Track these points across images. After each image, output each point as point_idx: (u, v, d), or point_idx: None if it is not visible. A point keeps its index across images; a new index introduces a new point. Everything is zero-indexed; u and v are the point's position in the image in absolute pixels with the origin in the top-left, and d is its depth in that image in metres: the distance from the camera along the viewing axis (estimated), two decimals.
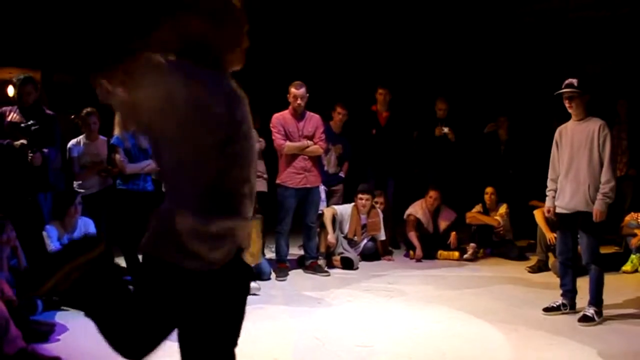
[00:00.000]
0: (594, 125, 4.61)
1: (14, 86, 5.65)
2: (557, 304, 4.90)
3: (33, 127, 5.45)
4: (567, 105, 4.69)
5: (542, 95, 8.72)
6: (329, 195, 7.25)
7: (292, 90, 6.11)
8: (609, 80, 8.49)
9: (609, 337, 4.35)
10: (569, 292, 4.88)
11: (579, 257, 4.83)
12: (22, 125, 5.48)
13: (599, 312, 4.64)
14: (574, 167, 4.67)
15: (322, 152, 6.40)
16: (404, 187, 7.94)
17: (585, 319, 4.60)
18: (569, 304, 4.87)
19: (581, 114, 4.68)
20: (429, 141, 7.80)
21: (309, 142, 6.15)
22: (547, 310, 4.89)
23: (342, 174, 7.41)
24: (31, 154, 5.42)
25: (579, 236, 4.77)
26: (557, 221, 4.91)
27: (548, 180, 4.92)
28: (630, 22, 8.73)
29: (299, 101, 6.09)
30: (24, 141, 5.42)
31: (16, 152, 5.43)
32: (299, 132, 6.15)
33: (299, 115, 6.17)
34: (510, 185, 7.80)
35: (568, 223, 4.77)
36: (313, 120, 6.23)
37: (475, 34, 9.60)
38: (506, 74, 9.81)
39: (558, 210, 4.81)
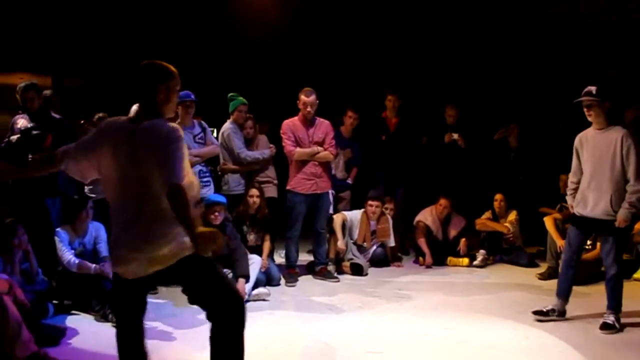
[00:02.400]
0: (616, 135, 4.49)
1: (17, 94, 5.65)
2: (547, 309, 4.81)
3: (34, 132, 5.45)
4: (586, 113, 4.57)
5: (552, 100, 8.73)
6: (336, 202, 7.25)
7: (302, 97, 6.12)
8: (619, 86, 8.44)
9: (622, 345, 4.33)
10: (563, 293, 4.77)
11: (594, 264, 4.78)
12: (22, 129, 5.49)
13: (618, 319, 4.55)
14: (597, 177, 4.56)
15: (332, 158, 6.40)
16: (413, 193, 7.92)
17: (606, 327, 4.51)
18: (558, 310, 4.78)
19: (602, 122, 4.55)
20: (438, 147, 7.79)
21: (319, 148, 6.16)
22: (537, 313, 4.81)
23: (349, 181, 7.42)
24: (32, 157, 5.41)
25: (600, 242, 4.70)
26: (574, 220, 4.79)
27: (568, 182, 4.87)
28: None
29: (308, 108, 6.10)
30: (18, 135, 5.41)
31: (16, 153, 5.42)
32: (309, 139, 6.16)
33: (308, 122, 6.18)
34: (520, 192, 7.76)
35: (584, 225, 4.71)
36: (323, 126, 6.24)
37: (484, 40, 9.60)
38: (516, 80, 9.79)
39: (578, 213, 4.73)
